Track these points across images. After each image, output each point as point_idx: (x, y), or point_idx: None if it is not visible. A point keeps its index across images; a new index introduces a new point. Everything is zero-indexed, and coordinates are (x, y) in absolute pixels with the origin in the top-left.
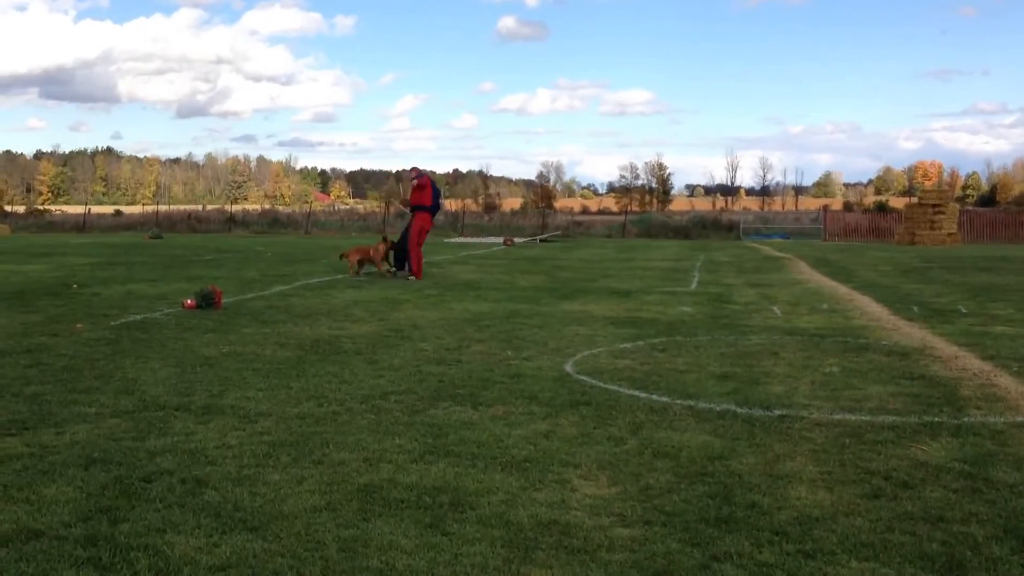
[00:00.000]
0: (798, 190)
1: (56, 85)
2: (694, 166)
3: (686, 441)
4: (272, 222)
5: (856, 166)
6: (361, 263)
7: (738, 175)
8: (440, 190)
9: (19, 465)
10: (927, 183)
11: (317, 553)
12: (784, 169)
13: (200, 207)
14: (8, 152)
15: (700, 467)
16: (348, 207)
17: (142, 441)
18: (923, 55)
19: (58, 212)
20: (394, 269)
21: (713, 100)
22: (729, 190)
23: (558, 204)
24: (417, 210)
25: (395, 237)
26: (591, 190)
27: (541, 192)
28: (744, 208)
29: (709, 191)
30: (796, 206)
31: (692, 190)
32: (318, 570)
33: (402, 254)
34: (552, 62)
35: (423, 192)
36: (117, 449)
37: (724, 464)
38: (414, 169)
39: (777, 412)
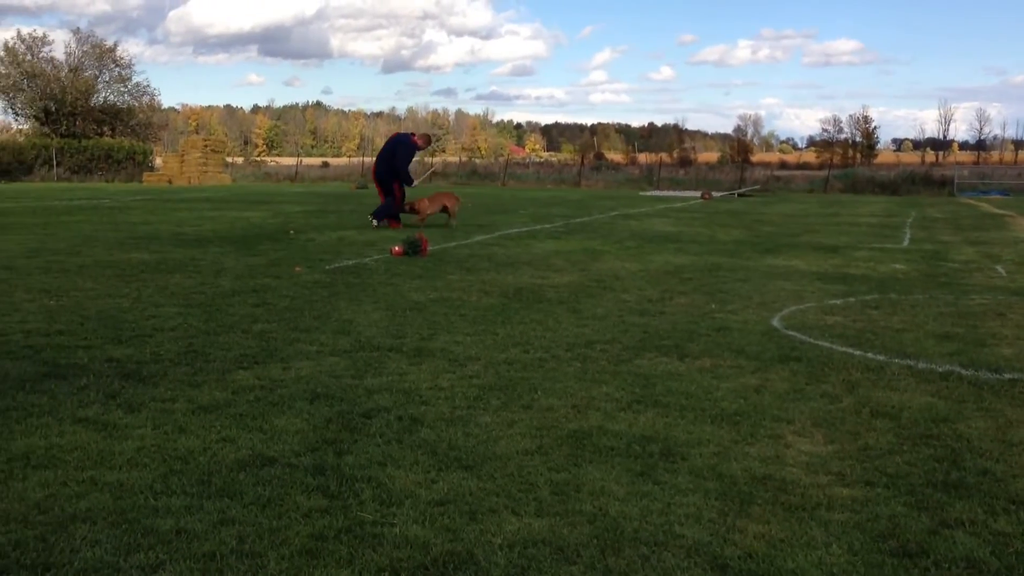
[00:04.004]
0: (1018, 144)
1: (274, 42)
2: (902, 119)
3: (907, 402)
4: (470, 174)
5: None
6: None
7: (951, 128)
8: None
9: (252, 396)
10: None
11: (530, 494)
12: (1003, 122)
13: None
14: (228, 106)
15: (924, 429)
16: (542, 160)
17: (360, 379)
18: None
19: (272, 163)
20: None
21: (927, 49)
22: (940, 144)
23: (755, 158)
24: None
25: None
26: (790, 144)
27: (738, 146)
28: (956, 163)
29: (918, 145)
30: (1016, 161)
31: (899, 144)
32: (532, 510)
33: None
34: (756, 11)
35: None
36: (338, 386)
37: (950, 427)
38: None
39: (1007, 375)
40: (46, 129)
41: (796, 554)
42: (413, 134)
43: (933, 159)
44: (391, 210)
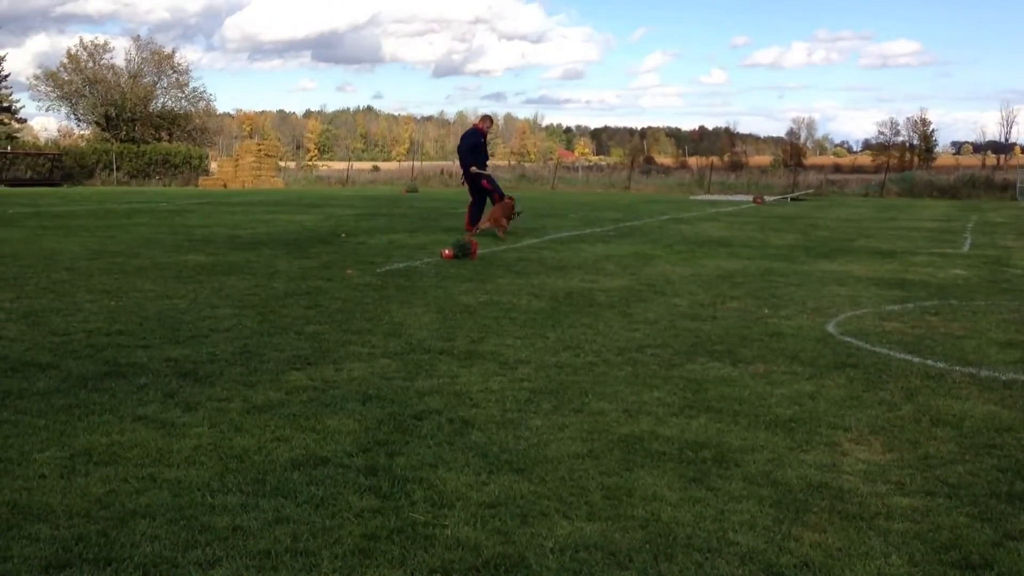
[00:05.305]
0: None
1: (327, 48)
2: (961, 122)
3: (968, 410)
4: (520, 178)
5: None
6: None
7: (1013, 131)
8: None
9: (305, 397)
10: None
11: (582, 498)
12: None
13: (451, 163)
14: (281, 111)
15: (987, 438)
16: (591, 164)
17: (411, 381)
18: None
19: (324, 167)
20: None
21: (988, 50)
22: (1002, 147)
23: (808, 161)
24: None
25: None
26: (845, 147)
27: (791, 149)
28: (1020, 166)
29: (978, 148)
30: None
31: (959, 147)
32: (583, 514)
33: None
34: (811, 13)
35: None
36: (389, 387)
37: (1015, 437)
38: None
39: None
40: (107, 134)
41: (854, 564)
42: (476, 125)
43: (994, 162)
44: (478, 211)
